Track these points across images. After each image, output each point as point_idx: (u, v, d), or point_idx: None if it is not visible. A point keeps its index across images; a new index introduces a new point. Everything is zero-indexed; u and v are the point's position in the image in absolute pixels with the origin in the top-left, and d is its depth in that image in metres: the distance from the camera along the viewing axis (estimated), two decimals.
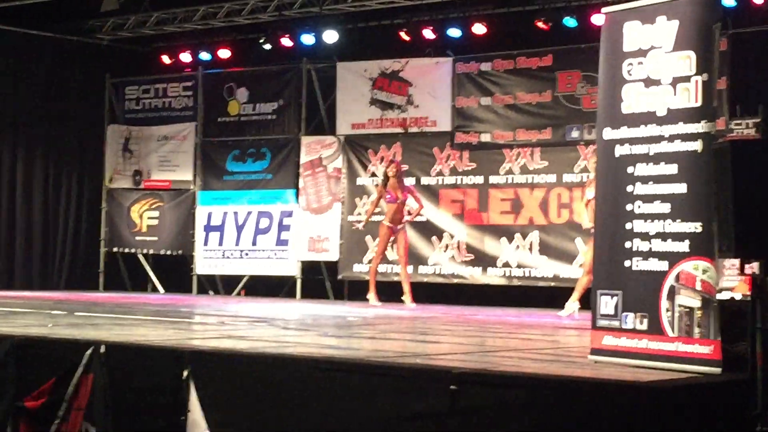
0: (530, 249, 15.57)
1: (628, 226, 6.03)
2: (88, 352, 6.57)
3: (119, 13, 18.35)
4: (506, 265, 15.74)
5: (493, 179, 15.98)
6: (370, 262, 16.08)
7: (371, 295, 14.94)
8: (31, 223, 18.77)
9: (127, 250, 19.35)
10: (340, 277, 17.27)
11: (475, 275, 15.97)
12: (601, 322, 6.11)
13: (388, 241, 15.07)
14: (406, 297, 14.73)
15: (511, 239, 15.73)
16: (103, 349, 6.54)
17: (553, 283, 15.19)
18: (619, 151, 6.12)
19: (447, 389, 5.23)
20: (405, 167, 15.75)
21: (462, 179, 16.21)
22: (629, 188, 6.04)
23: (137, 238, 19.24)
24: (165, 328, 9.10)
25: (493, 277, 15.83)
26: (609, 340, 6.05)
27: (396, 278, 15.31)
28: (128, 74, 19.58)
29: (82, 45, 19.20)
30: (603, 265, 6.20)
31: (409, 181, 15.83)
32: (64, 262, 19.14)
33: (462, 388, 5.21)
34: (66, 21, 18.73)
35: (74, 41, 19.09)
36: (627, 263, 6.00)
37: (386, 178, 15.03)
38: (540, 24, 15.67)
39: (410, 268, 15.41)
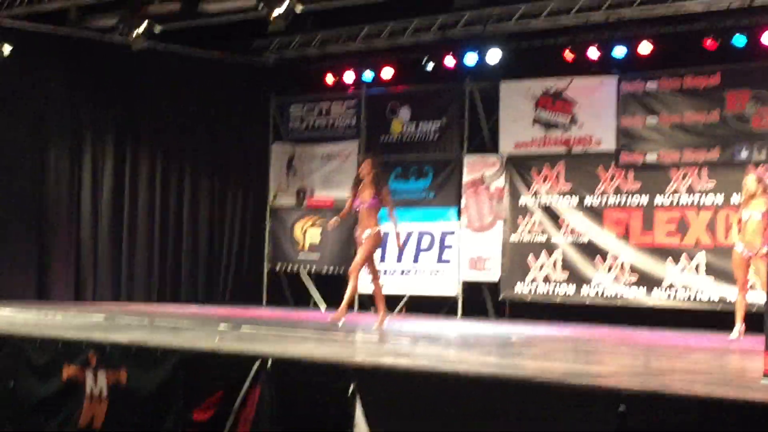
0: (696, 270, 15.27)
1: None
2: (255, 365, 6.65)
3: (284, 34, 18.55)
4: (671, 286, 15.46)
5: (658, 199, 15.73)
6: (533, 281, 15.95)
7: None
8: (197, 238, 19.20)
9: (289, 267, 19.59)
10: (501, 297, 17.19)
11: (639, 297, 15.72)
12: None
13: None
14: (339, 313, 13.18)
15: (677, 260, 15.45)
16: (269, 363, 6.61)
17: (720, 307, 14.84)
18: None
19: (615, 410, 5.15)
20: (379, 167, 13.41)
21: (627, 199, 15.99)
22: None
23: (300, 255, 19.46)
24: (329, 344, 9.17)
25: (658, 299, 15.57)
26: None
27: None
28: (293, 93, 19.86)
29: (248, 65, 19.57)
30: None
31: (572, 201, 15.64)
32: (229, 276, 19.51)
33: (631, 409, 5.12)
34: (232, 40, 19.06)
35: (240, 61, 19.46)
36: None
37: (358, 178, 13.20)
38: (708, 42, 15.38)
39: (572, 288, 15.21)
